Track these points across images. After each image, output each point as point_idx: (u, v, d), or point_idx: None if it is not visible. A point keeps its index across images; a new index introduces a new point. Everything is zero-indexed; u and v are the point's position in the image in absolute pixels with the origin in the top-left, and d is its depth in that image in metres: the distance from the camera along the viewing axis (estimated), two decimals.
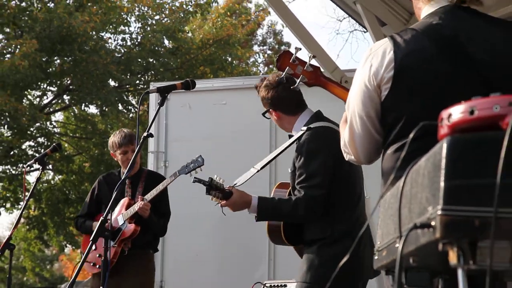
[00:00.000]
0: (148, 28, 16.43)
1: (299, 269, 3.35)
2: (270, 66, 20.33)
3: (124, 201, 4.97)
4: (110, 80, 15.83)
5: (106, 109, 15.56)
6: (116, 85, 16.28)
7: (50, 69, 15.66)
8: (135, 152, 3.53)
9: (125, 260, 4.84)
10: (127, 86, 16.66)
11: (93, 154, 16.37)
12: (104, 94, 14.95)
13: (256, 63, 21.13)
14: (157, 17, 16.71)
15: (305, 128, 3.36)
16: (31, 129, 15.61)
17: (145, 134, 3.47)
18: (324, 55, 5.22)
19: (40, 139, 16.06)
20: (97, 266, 4.86)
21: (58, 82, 16.24)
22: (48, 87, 16.82)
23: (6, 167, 16.01)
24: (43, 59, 14.86)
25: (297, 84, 2.80)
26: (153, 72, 16.33)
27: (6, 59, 14.47)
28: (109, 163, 15.06)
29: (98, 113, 16.43)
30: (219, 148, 6.18)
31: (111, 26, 16.07)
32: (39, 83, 15.68)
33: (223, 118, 6.38)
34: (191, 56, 16.66)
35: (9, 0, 15.10)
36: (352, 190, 3.40)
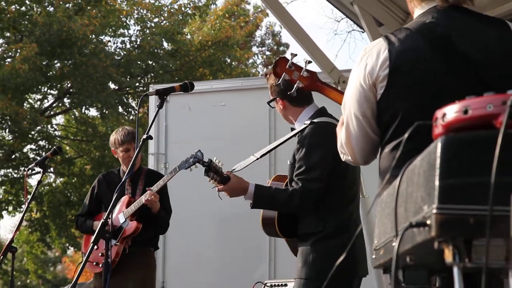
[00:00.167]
0: (147, 31, 16.42)
1: (295, 265, 3.36)
2: (269, 67, 20.29)
3: (124, 199, 4.98)
4: (110, 82, 15.83)
5: (106, 112, 15.56)
6: (116, 87, 16.28)
7: (50, 73, 15.67)
8: (135, 154, 3.54)
9: (127, 258, 4.84)
10: (127, 89, 16.66)
11: (94, 157, 16.38)
12: (104, 97, 14.95)
13: (255, 64, 21.14)
14: (156, 19, 16.70)
15: (308, 121, 3.37)
16: (32, 132, 15.64)
17: (144, 136, 3.48)
18: (322, 55, 5.22)
19: (41, 142, 16.08)
20: (100, 265, 4.86)
21: (59, 85, 16.24)
22: (48, 91, 16.84)
23: (8, 170, 16.04)
24: (43, 63, 14.87)
25: (293, 90, 2.81)
26: (152, 74, 16.32)
27: (7, 63, 14.47)
28: (110, 165, 15.06)
29: (99, 115, 16.44)
30: (219, 149, 6.19)
31: (110, 29, 16.06)
32: (39, 86, 15.69)
33: (223, 119, 6.39)
34: (190, 58, 16.65)
35: (9, 4, 15.11)
36: (348, 187, 3.40)
